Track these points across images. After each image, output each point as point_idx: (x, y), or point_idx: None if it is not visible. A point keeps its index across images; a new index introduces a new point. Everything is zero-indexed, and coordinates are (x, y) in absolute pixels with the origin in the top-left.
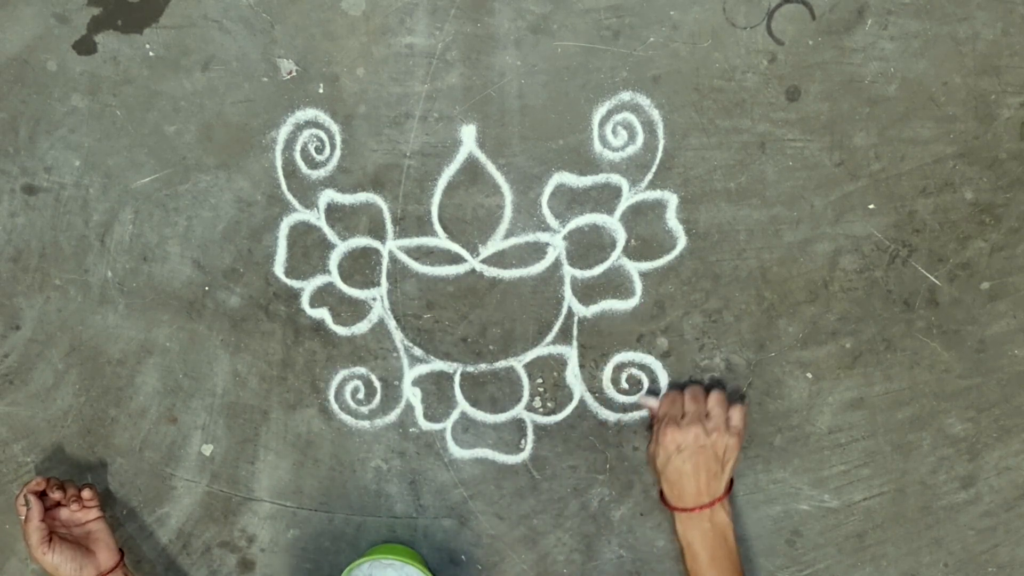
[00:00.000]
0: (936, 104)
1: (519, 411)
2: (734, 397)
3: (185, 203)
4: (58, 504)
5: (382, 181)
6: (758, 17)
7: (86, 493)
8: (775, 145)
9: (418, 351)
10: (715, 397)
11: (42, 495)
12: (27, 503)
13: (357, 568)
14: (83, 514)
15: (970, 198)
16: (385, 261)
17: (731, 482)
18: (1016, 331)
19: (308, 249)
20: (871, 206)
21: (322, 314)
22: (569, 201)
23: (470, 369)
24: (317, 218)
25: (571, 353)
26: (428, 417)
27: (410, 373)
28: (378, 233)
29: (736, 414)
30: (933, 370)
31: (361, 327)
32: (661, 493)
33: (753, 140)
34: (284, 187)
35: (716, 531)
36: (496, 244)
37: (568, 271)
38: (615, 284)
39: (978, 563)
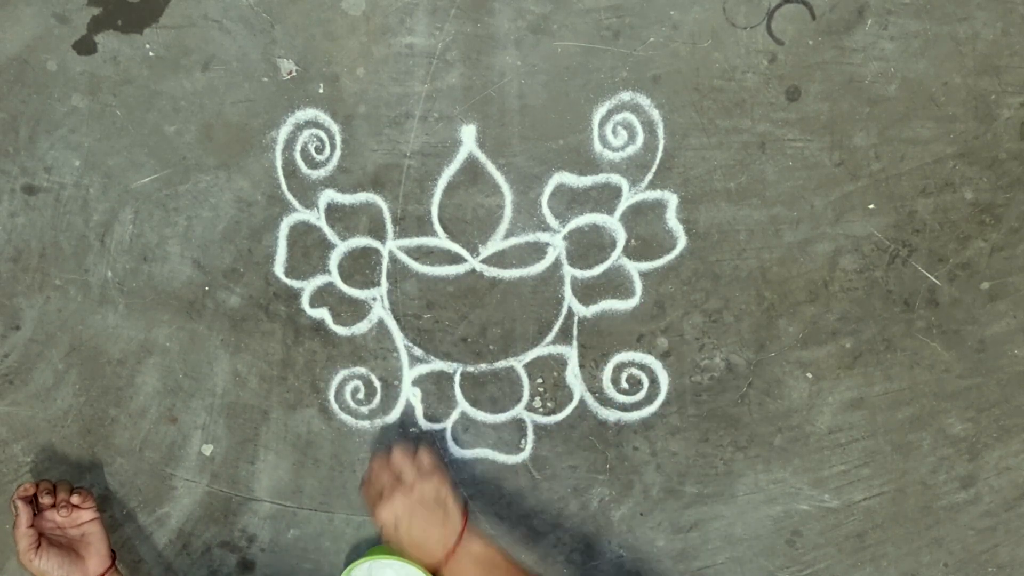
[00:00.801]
0: (936, 104)
1: (519, 411)
2: (419, 441)
3: (185, 203)
4: (52, 506)
5: (382, 181)
6: (758, 17)
7: (75, 498)
8: (775, 145)
9: (418, 351)
10: (396, 453)
11: (34, 499)
12: (15, 509)
13: (357, 568)
14: (76, 515)
15: (970, 198)
16: (385, 261)
17: (465, 507)
18: (1016, 331)
19: (308, 249)
20: (871, 206)
21: (322, 314)
22: (569, 201)
23: (470, 369)
24: (317, 218)
25: (571, 353)
26: (428, 417)
27: (410, 373)
28: (378, 233)
29: (423, 456)
30: (933, 370)
31: (361, 327)
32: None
33: (753, 140)
34: (284, 187)
35: (481, 563)
36: (496, 244)
37: (568, 271)
38: (615, 284)
39: (978, 563)
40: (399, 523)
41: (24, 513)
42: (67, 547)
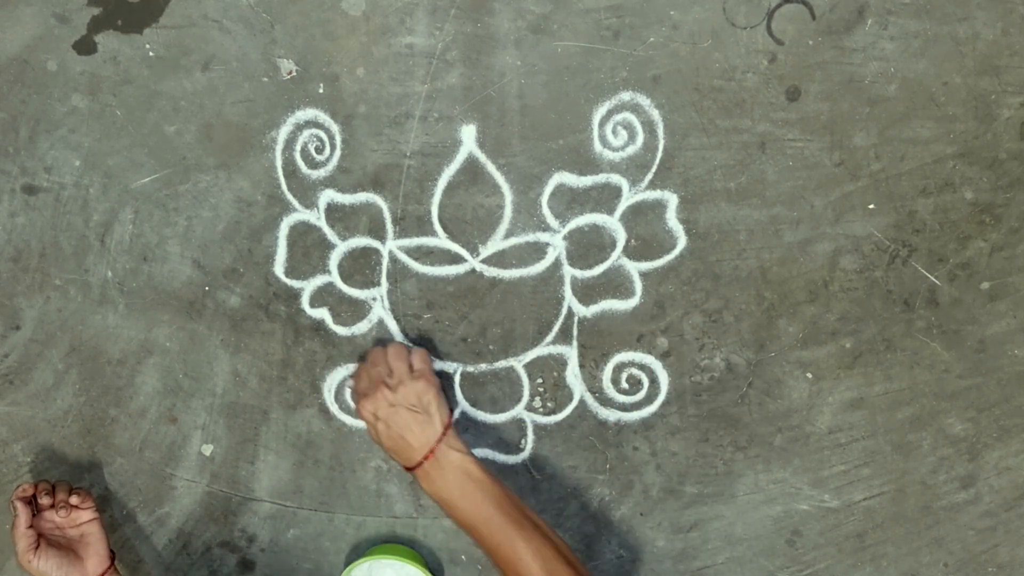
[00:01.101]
0: (936, 104)
1: (519, 411)
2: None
3: (185, 203)
4: (51, 506)
5: (382, 181)
6: (758, 17)
7: (74, 499)
8: (775, 145)
9: None
10: (391, 351)
11: (33, 500)
12: (14, 510)
13: (357, 568)
14: (76, 515)
15: (970, 198)
16: (385, 261)
17: (450, 416)
18: (1016, 331)
19: (308, 249)
20: (871, 206)
21: (322, 314)
22: (569, 201)
23: (470, 369)
24: (317, 218)
25: (571, 353)
26: None
27: None
28: (378, 233)
29: (416, 358)
30: (933, 370)
31: (361, 327)
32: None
33: (753, 140)
34: (284, 187)
35: (454, 470)
36: (496, 244)
37: (568, 271)
38: (615, 284)
39: (978, 563)
40: (379, 420)
41: (23, 514)
42: (66, 547)
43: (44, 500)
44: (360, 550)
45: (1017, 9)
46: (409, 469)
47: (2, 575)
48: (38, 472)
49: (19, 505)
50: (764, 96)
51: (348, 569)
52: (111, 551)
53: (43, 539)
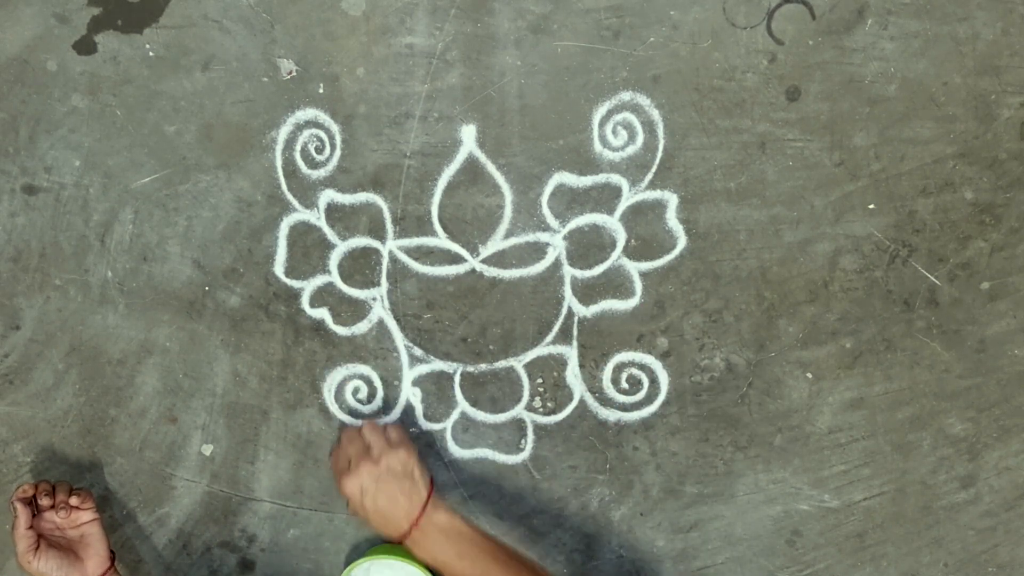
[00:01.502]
0: (936, 104)
1: (519, 411)
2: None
3: (185, 203)
4: (52, 507)
5: (382, 181)
6: (758, 17)
7: (74, 499)
8: (775, 145)
9: (418, 351)
10: (366, 428)
11: (33, 500)
12: (14, 511)
13: (357, 568)
14: (76, 516)
15: (970, 198)
16: (385, 261)
17: (431, 482)
18: (1016, 331)
19: (308, 249)
20: (871, 206)
21: (322, 314)
22: (569, 201)
23: (470, 369)
24: (317, 218)
25: (571, 353)
26: (428, 417)
27: (410, 373)
28: (378, 233)
29: (392, 432)
30: (933, 370)
31: (361, 327)
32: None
33: (753, 140)
34: (284, 187)
35: (444, 532)
36: (496, 244)
37: (568, 271)
38: (615, 284)
39: (978, 563)
40: (365, 493)
41: (23, 515)
42: (66, 548)
43: (44, 501)
44: (360, 550)
45: (1017, 9)
46: (399, 540)
47: (2, 575)
48: (38, 472)
49: (19, 506)
50: (764, 96)
51: (348, 569)
52: (111, 552)
53: (43, 540)
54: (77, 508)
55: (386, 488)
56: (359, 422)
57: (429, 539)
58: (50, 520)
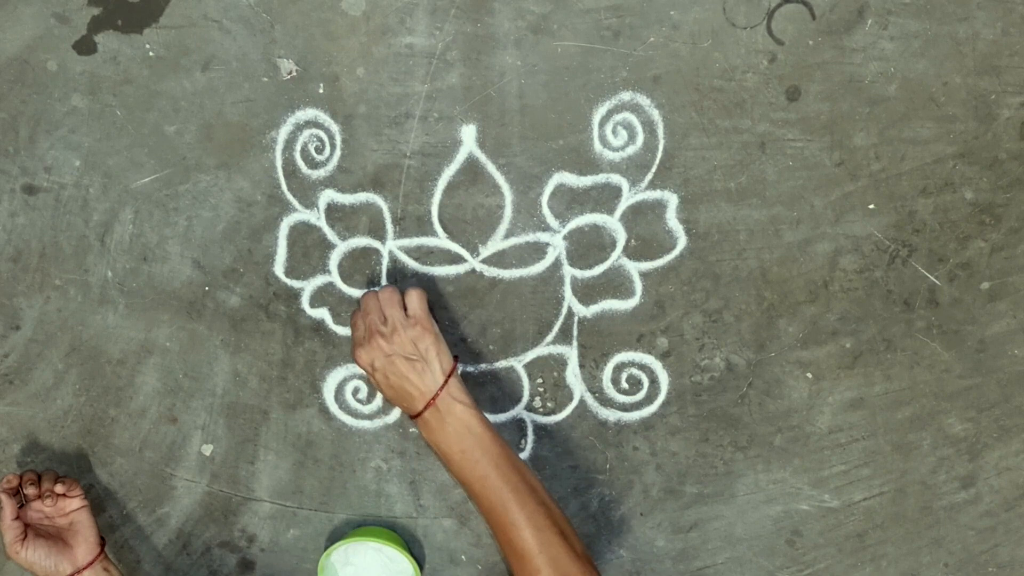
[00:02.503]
0: (936, 104)
1: (519, 411)
2: (410, 283)
3: (185, 203)
4: (38, 496)
5: (382, 181)
6: (758, 17)
7: (59, 488)
8: (775, 145)
9: None
10: (384, 296)
11: (20, 490)
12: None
13: (336, 550)
14: (64, 503)
15: (970, 198)
16: (385, 261)
17: (453, 364)
18: (1016, 331)
19: (308, 249)
20: (871, 206)
21: (322, 314)
22: (569, 201)
23: (470, 369)
24: (317, 218)
25: (571, 353)
26: None
27: None
28: (378, 233)
29: (412, 301)
30: (933, 370)
31: None
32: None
33: (753, 140)
34: (284, 187)
35: (455, 422)
36: (496, 244)
37: (568, 271)
38: (615, 284)
39: (978, 563)
40: (376, 370)
41: (8, 506)
42: (55, 537)
43: (30, 491)
44: (336, 536)
45: (1017, 9)
46: (412, 417)
47: (2, 574)
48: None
49: (4, 497)
50: (764, 96)
51: (327, 552)
52: (101, 538)
53: (31, 530)
54: (64, 496)
55: (398, 368)
56: (359, 423)
57: (439, 425)
58: (37, 510)
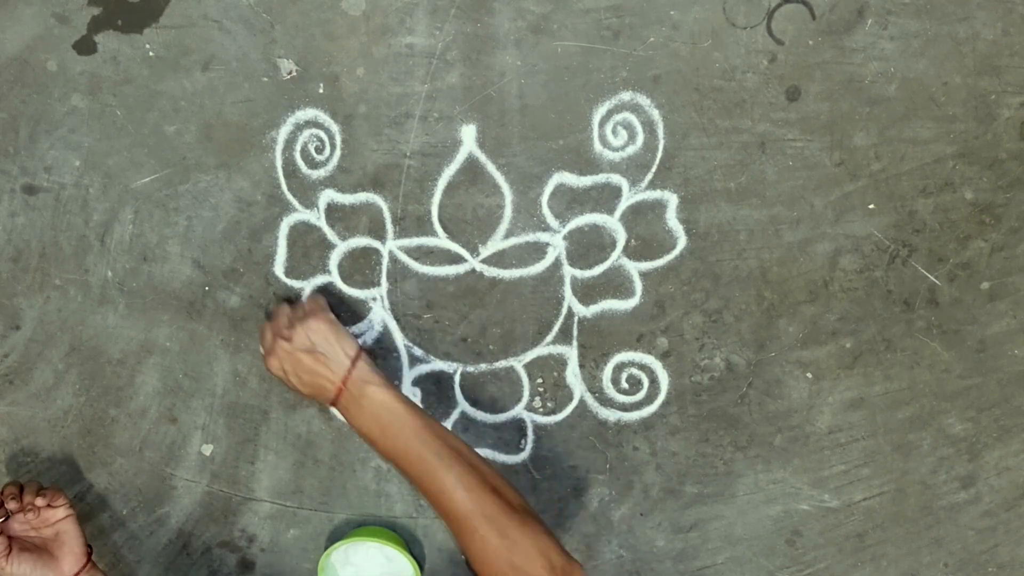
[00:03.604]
0: (936, 104)
1: (519, 411)
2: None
3: (185, 203)
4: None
5: (382, 181)
6: (758, 17)
7: (39, 500)
8: (775, 145)
9: (418, 351)
10: (277, 308)
11: (1, 504)
12: None
13: (336, 551)
14: (49, 513)
15: (970, 198)
16: (385, 261)
17: (358, 348)
18: (1016, 331)
19: (308, 249)
20: (871, 206)
21: None
22: (569, 201)
23: (470, 369)
24: (317, 218)
25: (571, 353)
26: None
27: (410, 373)
28: (378, 233)
29: (308, 303)
30: (933, 370)
31: (361, 327)
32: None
33: (753, 140)
34: (284, 187)
35: (369, 403)
36: (496, 244)
37: (568, 271)
38: (615, 284)
39: (978, 563)
40: (286, 372)
41: None
42: (40, 549)
43: (11, 505)
44: (336, 536)
45: (1017, 9)
46: (332, 404)
47: None
48: (37, 472)
49: None
50: (764, 96)
51: (327, 552)
52: (88, 547)
53: (15, 543)
54: (47, 507)
55: (303, 362)
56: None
57: (355, 409)
58: (21, 522)
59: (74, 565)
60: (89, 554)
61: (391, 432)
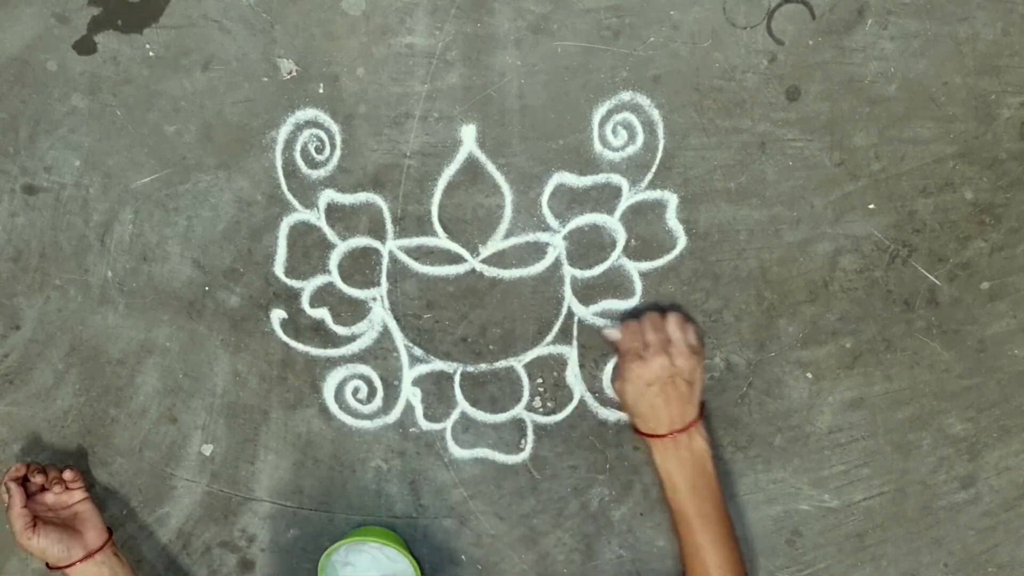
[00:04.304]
0: (936, 104)
1: (519, 411)
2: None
3: (185, 203)
4: (42, 488)
5: (382, 181)
6: (758, 17)
7: (67, 475)
8: (775, 145)
9: (418, 351)
10: (674, 321)
11: (25, 481)
12: (8, 491)
13: (335, 551)
14: (68, 496)
15: (970, 198)
16: (385, 261)
17: (703, 406)
18: (1016, 331)
19: (308, 249)
20: (871, 206)
21: (322, 314)
22: (569, 201)
23: (470, 369)
24: (317, 218)
25: (571, 353)
26: (428, 417)
27: (410, 373)
28: (378, 233)
29: (691, 334)
30: (933, 370)
31: (361, 327)
32: (634, 426)
33: (753, 140)
34: (284, 187)
35: (695, 459)
36: (496, 244)
37: (568, 271)
38: (615, 284)
39: (978, 563)
40: (648, 386)
41: (16, 494)
42: (63, 525)
43: (36, 479)
44: (336, 536)
45: (1017, 9)
46: (645, 435)
47: (2, 574)
48: None
49: (12, 486)
50: (764, 96)
51: (326, 553)
52: (108, 527)
53: (39, 519)
54: (69, 486)
55: (668, 392)
56: (359, 423)
57: (676, 454)
58: (42, 502)
59: (98, 539)
60: (110, 532)
61: (701, 493)
